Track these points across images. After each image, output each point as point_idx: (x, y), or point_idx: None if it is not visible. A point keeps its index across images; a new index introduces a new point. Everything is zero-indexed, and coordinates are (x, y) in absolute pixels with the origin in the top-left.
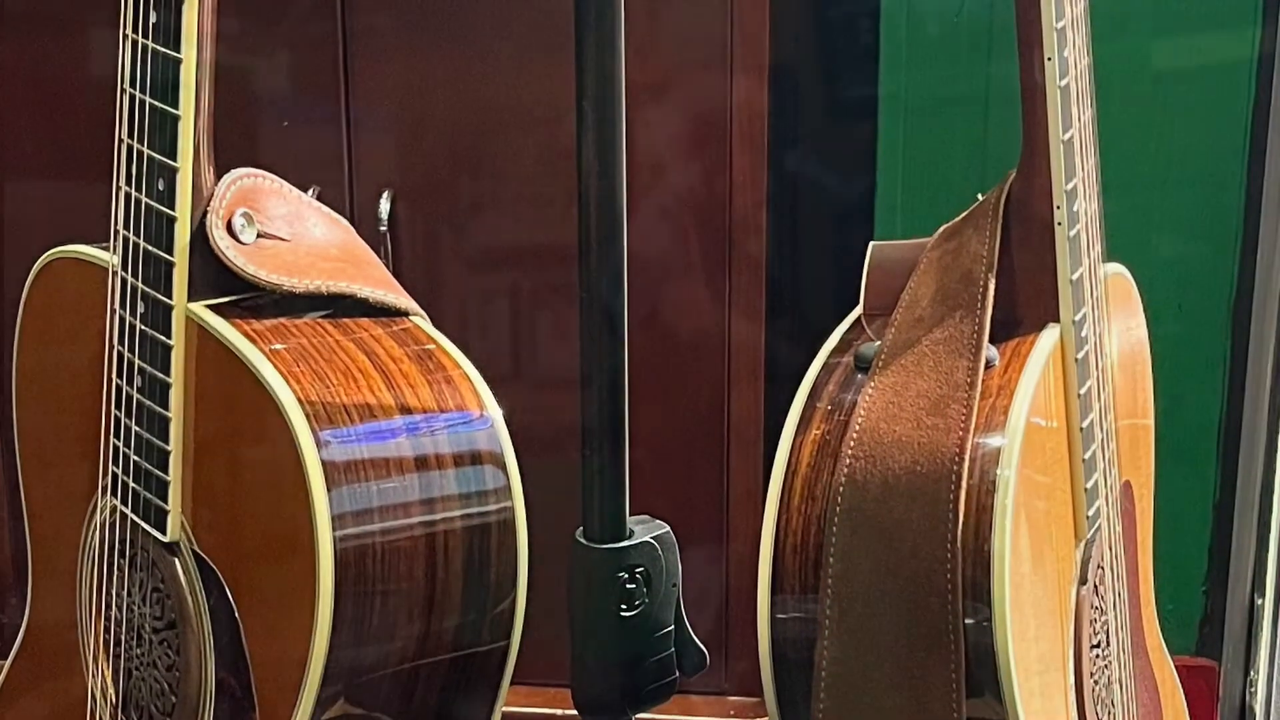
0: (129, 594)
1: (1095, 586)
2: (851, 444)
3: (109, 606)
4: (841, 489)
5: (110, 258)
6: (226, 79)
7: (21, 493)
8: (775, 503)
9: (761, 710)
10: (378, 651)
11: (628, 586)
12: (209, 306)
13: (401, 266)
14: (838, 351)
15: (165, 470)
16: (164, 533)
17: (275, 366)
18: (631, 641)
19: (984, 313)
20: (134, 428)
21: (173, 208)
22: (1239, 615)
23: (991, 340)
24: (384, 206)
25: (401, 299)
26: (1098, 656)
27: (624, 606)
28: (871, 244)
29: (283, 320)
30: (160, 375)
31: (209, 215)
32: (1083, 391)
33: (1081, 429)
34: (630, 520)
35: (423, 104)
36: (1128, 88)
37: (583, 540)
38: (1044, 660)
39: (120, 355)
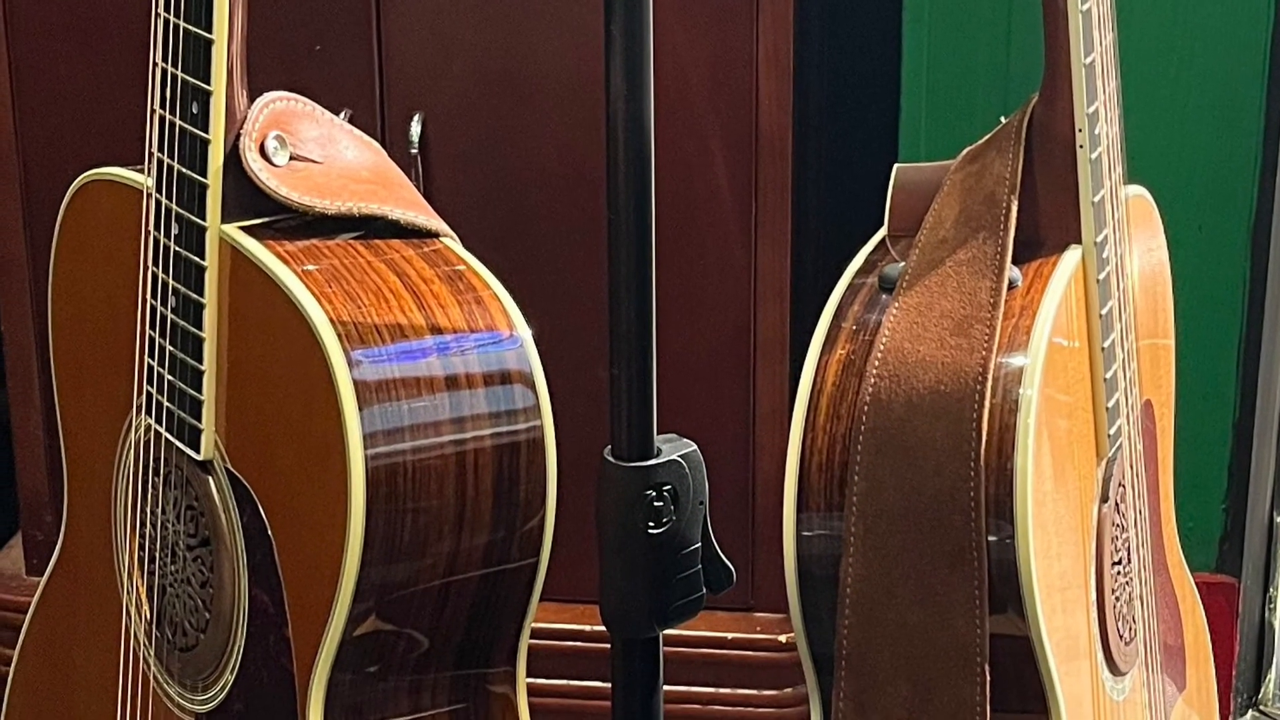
0: (163, 511)
1: (1116, 504)
2: (876, 363)
3: (143, 524)
4: (866, 408)
5: (145, 180)
6: (259, 3)
7: (57, 411)
8: (801, 421)
9: (787, 626)
10: (408, 568)
11: (655, 504)
12: (242, 228)
13: (432, 189)
14: (863, 272)
15: (199, 389)
16: (198, 451)
17: (307, 287)
18: (659, 559)
19: (1007, 234)
20: (168, 347)
21: (206, 130)
22: (1259, 533)
23: (1014, 261)
24: (415, 129)
25: (432, 220)
26: (1119, 573)
27: (652, 524)
28: (896, 166)
29: (315, 241)
30: (194, 295)
31: (242, 138)
32: (1104, 312)
33: (1103, 349)
34: (658, 439)
35: (453, 27)
36: (1148, 12)
37: (611, 459)
38: (1066, 577)
39: (154, 276)
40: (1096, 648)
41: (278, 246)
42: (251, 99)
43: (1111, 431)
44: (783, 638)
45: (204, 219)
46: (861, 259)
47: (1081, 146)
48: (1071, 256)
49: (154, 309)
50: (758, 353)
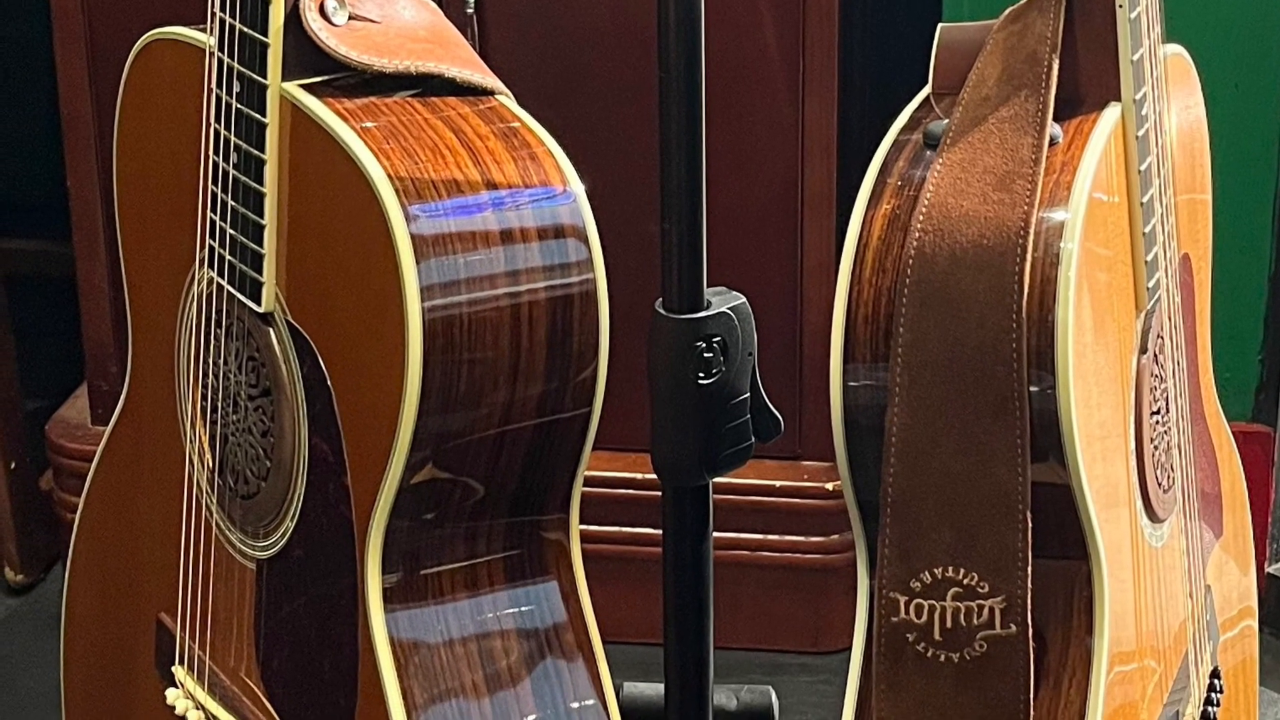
0: (225, 362)
1: (1155, 355)
2: (920, 218)
3: (205, 374)
4: (911, 262)
5: (207, 39)
6: None
7: (122, 265)
8: (847, 275)
9: (834, 474)
10: (464, 418)
11: (705, 355)
12: (302, 86)
13: (488, 47)
14: (907, 129)
15: (260, 243)
16: (259, 304)
17: (366, 143)
18: (709, 408)
19: (1048, 91)
20: (230, 202)
21: None
22: None
23: (1055, 119)
24: None
25: (488, 79)
26: (1158, 423)
27: (702, 375)
28: (940, 25)
29: (373, 99)
30: (255, 152)
31: None
32: (1143, 168)
33: (1142, 204)
34: (708, 291)
35: None
36: None
37: (662, 311)
38: (1105, 426)
39: (217, 133)
40: (1135, 495)
41: (337, 104)
42: None
43: (1150, 284)
44: (829, 485)
45: (265, 77)
46: (906, 116)
47: (1121, 6)
48: (1111, 114)
49: (216, 165)
50: (805, 208)
